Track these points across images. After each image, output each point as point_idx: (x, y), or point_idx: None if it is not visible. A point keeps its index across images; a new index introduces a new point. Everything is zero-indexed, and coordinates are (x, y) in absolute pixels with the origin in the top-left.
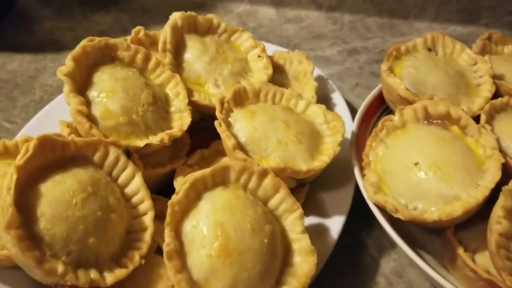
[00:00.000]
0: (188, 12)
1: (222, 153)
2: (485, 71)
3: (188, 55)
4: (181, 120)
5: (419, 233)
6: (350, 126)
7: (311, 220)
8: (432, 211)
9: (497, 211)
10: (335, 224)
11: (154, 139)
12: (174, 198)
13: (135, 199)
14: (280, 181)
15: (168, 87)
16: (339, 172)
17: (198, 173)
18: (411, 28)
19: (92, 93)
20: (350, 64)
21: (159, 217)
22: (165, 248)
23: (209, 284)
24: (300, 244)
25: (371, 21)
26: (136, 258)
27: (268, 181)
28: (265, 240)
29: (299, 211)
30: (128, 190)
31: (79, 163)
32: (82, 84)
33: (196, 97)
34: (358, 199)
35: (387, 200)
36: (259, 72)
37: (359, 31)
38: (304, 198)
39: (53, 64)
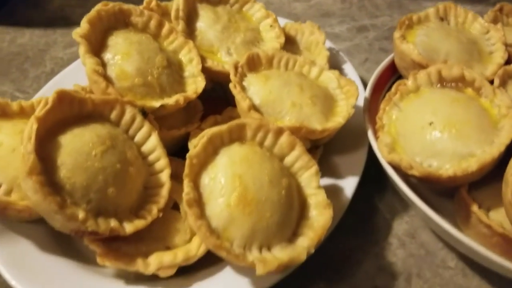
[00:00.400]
0: None
1: (235, 119)
2: (498, 39)
3: (200, 24)
4: (195, 84)
5: (432, 196)
6: (362, 95)
7: (324, 181)
8: (447, 168)
9: None
10: (348, 185)
11: (170, 100)
12: (193, 151)
13: (151, 157)
14: (296, 139)
15: (182, 53)
16: (352, 136)
17: (215, 128)
18: (419, 7)
19: (107, 56)
20: (359, 40)
21: (174, 177)
22: (184, 197)
23: (228, 232)
24: (316, 198)
25: None
26: (154, 211)
27: (284, 139)
28: (283, 192)
29: (315, 167)
30: (145, 148)
31: (96, 120)
32: (96, 47)
33: (209, 63)
34: (370, 164)
35: (401, 157)
36: (271, 41)
37: (368, 9)
38: (318, 160)
39: (63, 38)
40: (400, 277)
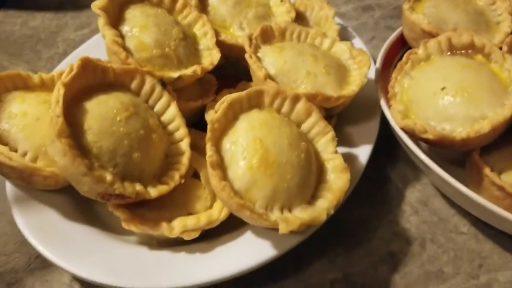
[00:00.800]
0: None
1: None
2: (504, 9)
3: (213, 0)
4: (210, 57)
5: (443, 164)
6: (373, 68)
7: (339, 150)
8: (460, 131)
9: None
10: (363, 153)
11: (187, 71)
12: (214, 116)
13: (171, 127)
14: (312, 106)
15: (196, 27)
16: (365, 106)
17: (234, 95)
18: None
19: (125, 28)
20: (365, 19)
21: (193, 147)
22: (208, 160)
23: (250, 194)
24: (334, 162)
25: None
26: (176, 177)
27: (301, 105)
28: (302, 155)
29: (331, 133)
30: (165, 118)
31: (118, 89)
32: (114, 20)
33: (223, 37)
34: (382, 135)
35: (415, 121)
36: (282, 16)
37: None
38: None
39: (74, 21)
40: (415, 242)
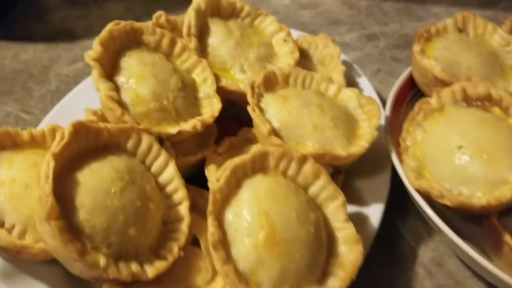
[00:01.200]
0: None
1: (250, 140)
2: None
3: (212, 40)
4: (210, 106)
5: (458, 221)
6: (382, 111)
7: (348, 209)
8: (480, 196)
9: None
10: (374, 213)
11: (187, 126)
12: (216, 185)
13: (169, 188)
14: (321, 168)
15: (195, 72)
16: (374, 158)
17: (238, 160)
18: (428, 13)
19: (121, 79)
20: (370, 49)
21: (192, 208)
22: (210, 239)
23: (256, 276)
24: (345, 232)
25: (387, 6)
26: (175, 249)
27: (308, 167)
28: (311, 229)
29: (341, 198)
30: (162, 179)
31: (113, 151)
32: (109, 69)
33: (224, 82)
34: (391, 186)
35: (432, 185)
36: (285, 57)
37: (376, 17)
38: (340, 186)
39: (67, 53)
40: None
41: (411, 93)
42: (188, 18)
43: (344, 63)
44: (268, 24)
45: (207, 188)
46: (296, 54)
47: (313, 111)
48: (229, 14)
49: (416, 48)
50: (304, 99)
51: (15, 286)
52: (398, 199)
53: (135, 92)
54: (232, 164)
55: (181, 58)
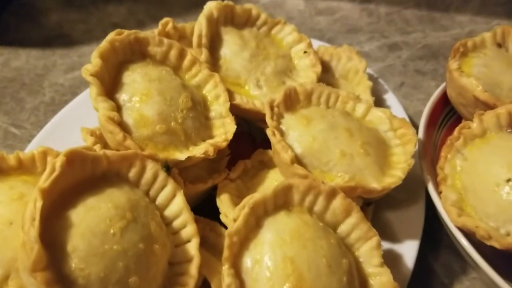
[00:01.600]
0: (225, 1)
1: (266, 164)
2: None
3: (225, 51)
4: (223, 128)
5: (496, 256)
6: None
7: None
8: None
9: None
10: (408, 251)
11: (197, 151)
12: (233, 226)
13: (176, 223)
14: (351, 203)
15: (206, 88)
16: (406, 187)
17: (258, 196)
18: (452, 22)
19: (123, 97)
20: (392, 60)
21: (201, 243)
22: None
23: None
24: (380, 280)
25: (408, 13)
26: None
27: (338, 202)
28: (344, 279)
29: (376, 239)
30: (169, 212)
31: (112, 182)
32: (110, 85)
33: (238, 100)
34: None
35: (477, 224)
36: (306, 70)
37: (398, 25)
38: (370, 219)
39: (63, 60)
40: None
41: (444, 112)
42: (199, 26)
43: (368, 76)
44: (286, 33)
45: (218, 219)
46: (318, 68)
47: (341, 135)
48: (244, 22)
49: (453, 64)
50: (330, 121)
51: None
52: (429, 229)
53: (139, 113)
54: (251, 201)
55: (190, 72)
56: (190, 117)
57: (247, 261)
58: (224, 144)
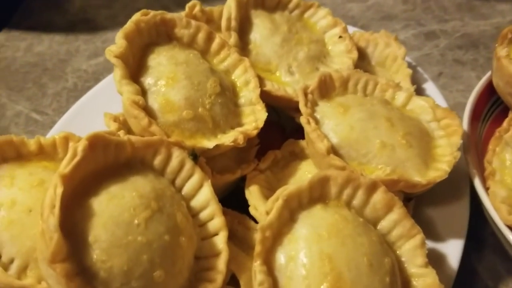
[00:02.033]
0: None
1: (298, 155)
2: None
3: (255, 35)
4: (253, 115)
5: None
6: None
7: None
8: None
9: None
10: (452, 251)
11: (226, 139)
12: (265, 220)
13: (203, 215)
14: (394, 198)
15: (235, 73)
16: (449, 183)
17: (292, 188)
18: (493, 10)
19: (148, 80)
20: (429, 49)
21: (229, 236)
22: None
23: None
24: (425, 281)
25: (446, 1)
26: None
27: (379, 197)
28: (387, 279)
29: (420, 237)
30: (195, 203)
31: (137, 170)
32: (135, 68)
33: (269, 86)
34: None
35: None
36: (341, 57)
37: (435, 12)
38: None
39: (86, 46)
40: None
41: (489, 103)
42: (228, 9)
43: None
44: (320, 17)
45: (246, 213)
46: (355, 54)
47: (381, 125)
48: (275, 5)
49: (501, 51)
50: (369, 110)
51: None
52: (472, 227)
53: (165, 97)
54: (285, 192)
55: (219, 57)
56: (218, 103)
57: (281, 257)
58: (255, 132)
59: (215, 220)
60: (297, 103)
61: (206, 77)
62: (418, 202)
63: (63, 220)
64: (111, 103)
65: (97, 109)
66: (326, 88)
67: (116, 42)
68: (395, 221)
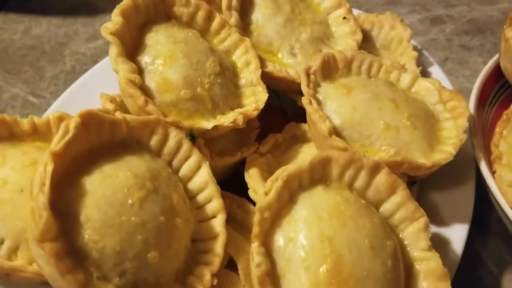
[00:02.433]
0: None
1: (299, 139)
2: None
3: (257, 16)
4: (254, 96)
5: None
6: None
7: None
8: None
9: None
10: (456, 237)
11: (225, 120)
12: (264, 200)
13: (201, 197)
14: (397, 180)
15: (236, 54)
16: (454, 166)
17: (293, 168)
18: None
19: (145, 59)
20: (435, 34)
21: (227, 220)
22: (256, 271)
23: None
24: (428, 265)
25: None
26: (206, 276)
27: (382, 179)
28: (389, 262)
29: (423, 220)
30: (193, 185)
31: (132, 149)
32: (132, 47)
33: (270, 67)
34: None
35: None
36: (345, 38)
37: None
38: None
39: (85, 29)
40: None
41: (496, 87)
42: None
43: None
44: None
45: (246, 196)
46: (359, 36)
47: (385, 107)
48: None
49: (509, 33)
50: (373, 91)
51: None
52: (477, 213)
53: (162, 76)
54: (285, 173)
55: (219, 36)
56: (218, 83)
57: (279, 239)
58: (255, 113)
59: (213, 202)
60: (299, 85)
61: (206, 56)
62: (422, 186)
63: (53, 199)
64: (108, 86)
65: (94, 91)
66: (329, 69)
67: (112, 19)
68: (398, 203)
